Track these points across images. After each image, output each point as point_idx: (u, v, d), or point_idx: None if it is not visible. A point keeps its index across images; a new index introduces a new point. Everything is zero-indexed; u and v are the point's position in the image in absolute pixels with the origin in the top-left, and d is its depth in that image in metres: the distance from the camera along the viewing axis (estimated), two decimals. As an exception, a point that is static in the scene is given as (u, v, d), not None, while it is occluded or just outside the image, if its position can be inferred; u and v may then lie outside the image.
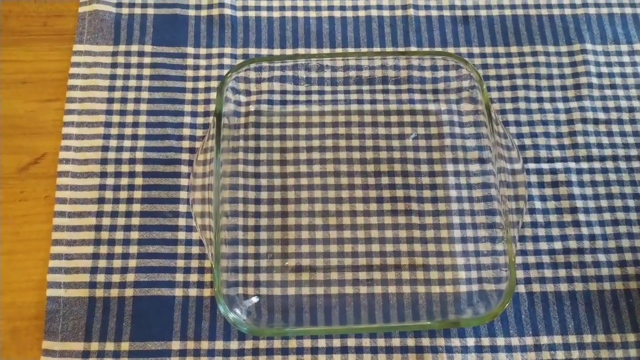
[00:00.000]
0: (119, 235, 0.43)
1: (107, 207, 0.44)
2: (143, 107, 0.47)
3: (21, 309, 0.42)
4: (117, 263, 0.43)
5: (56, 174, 0.45)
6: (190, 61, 0.49)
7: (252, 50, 0.49)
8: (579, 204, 0.45)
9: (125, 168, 0.45)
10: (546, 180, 0.46)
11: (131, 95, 0.47)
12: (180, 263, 0.43)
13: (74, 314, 0.41)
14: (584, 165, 0.46)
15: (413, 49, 0.50)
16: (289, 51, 0.50)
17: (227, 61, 0.49)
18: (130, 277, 0.42)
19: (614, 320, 0.42)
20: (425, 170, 0.46)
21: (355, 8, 0.51)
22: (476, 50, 0.50)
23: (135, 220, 0.44)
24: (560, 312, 0.42)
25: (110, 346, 0.41)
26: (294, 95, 0.48)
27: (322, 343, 0.41)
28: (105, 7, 0.50)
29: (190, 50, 0.49)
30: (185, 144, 0.46)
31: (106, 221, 0.44)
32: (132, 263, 0.43)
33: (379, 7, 0.51)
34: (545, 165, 0.46)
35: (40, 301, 0.42)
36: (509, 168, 0.42)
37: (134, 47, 0.49)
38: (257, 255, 0.43)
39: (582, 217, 0.44)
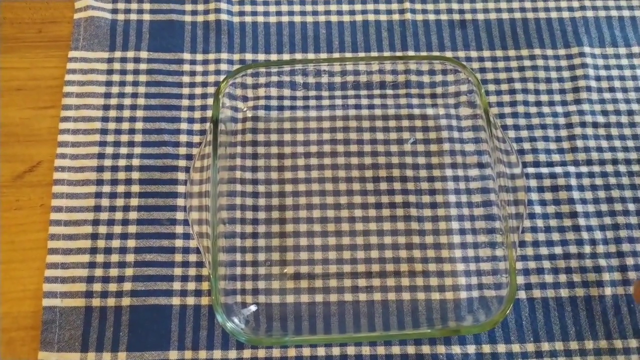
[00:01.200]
0: (116, 243, 0.43)
1: (104, 215, 0.44)
2: (139, 113, 0.47)
3: (17, 319, 0.41)
4: (113, 272, 0.42)
5: (52, 182, 0.44)
6: (186, 67, 0.48)
7: (248, 56, 0.49)
8: (579, 208, 0.45)
9: (121, 175, 0.45)
10: (545, 184, 0.45)
11: (127, 102, 0.47)
12: (178, 271, 0.42)
13: (71, 323, 0.41)
14: (584, 169, 0.46)
15: (411, 53, 0.49)
16: (285, 56, 0.49)
17: (223, 67, 0.48)
18: (127, 286, 0.42)
19: (615, 325, 0.41)
20: (424, 175, 0.45)
21: (352, 12, 0.51)
22: (474, 54, 0.50)
23: (132, 228, 0.43)
24: (562, 318, 0.42)
25: (107, 356, 0.40)
26: (291, 101, 0.48)
27: (321, 351, 0.41)
28: (101, 13, 0.49)
29: (186, 56, 0.49)
30: (182, 150, 0.46)
31: (102, 229, 0.43)
32: (129, 272, 0.42)
33: (376, 11, 0.51)
34: (544, 170, 0.46)
35: (36, 311, 0.41)
36: (508, 172, 0.42)
37: (130, 54, 0.48)
38: (255, 262, 0.43)
39: (582, 221, 0.44)
